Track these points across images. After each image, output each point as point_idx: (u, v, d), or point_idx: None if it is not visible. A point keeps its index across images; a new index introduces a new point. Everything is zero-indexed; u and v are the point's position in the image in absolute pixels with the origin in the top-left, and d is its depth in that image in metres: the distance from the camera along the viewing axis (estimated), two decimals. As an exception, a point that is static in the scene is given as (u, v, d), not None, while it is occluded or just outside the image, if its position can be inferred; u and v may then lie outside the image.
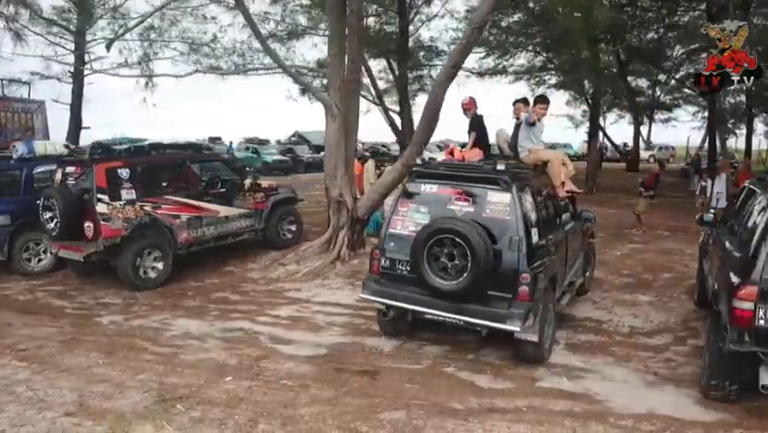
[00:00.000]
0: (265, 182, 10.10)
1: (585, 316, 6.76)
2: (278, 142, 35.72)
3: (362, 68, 16.92)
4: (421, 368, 5.34)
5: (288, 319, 6.73)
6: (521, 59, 21.40)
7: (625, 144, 36.10)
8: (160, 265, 8.11)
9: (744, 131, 27.53)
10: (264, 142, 32.92)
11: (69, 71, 17.03)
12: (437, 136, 19.36)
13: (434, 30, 28.80)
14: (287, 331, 6.34)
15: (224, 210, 9.00)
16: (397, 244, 5.49)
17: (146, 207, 8.01)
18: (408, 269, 5.37)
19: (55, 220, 7.77)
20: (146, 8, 13.70)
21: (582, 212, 6.99)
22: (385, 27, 19.15)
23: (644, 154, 34.61)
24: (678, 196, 18.30)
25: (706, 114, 27.54)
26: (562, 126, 35.93)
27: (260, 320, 6.69)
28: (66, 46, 16.53)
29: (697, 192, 14.96)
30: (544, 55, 20.80)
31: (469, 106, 6.89)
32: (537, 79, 23.55)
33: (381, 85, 20.12)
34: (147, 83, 14.75)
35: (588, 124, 25.19)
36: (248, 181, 9.53)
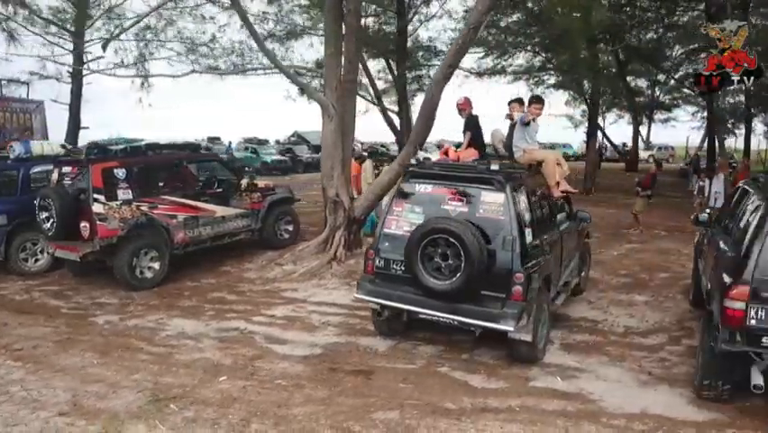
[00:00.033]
0: (262, 182, 10.10)
1: (580, 316, 6.77)
2: (278, 142, 35.74)
3: (361, 68, 17.01)
4: (415, 368, 5.34)
5: (284, 319, 6.73)
6: (520, 59, 21.43)
7: (624, 144, 36.12)
8: (156, 265, 8.11)
9: (743, 131, 27.49)
10: (263, 143, 32.92)
11: (68, 71, 17.00)
12: (434, 136, 19.33)
13: (433, 30, 28.84)
14: (282, 331, 6.35)
15: (220, 210, 9.01)
16: (392, 244, 5.50)
17: (142, 207, 8.01)
18: (403, 269, 5.37)
19: (51, 220, 7.77)
20: (144, 8, 13.72)
21: (578, 212, 7.00)
22: (384, 27, 19.14)
23: (643, 154, 34.61)
24: (677, 196, 18.33)
25: (705, 114, 27.54)
26: (562, 126, 35.92)
27: (255, 320, 6.69)
28: (64, 46, 16.50)
29: (695, 192, 14.98)
30: (543, 55, 20.80)
31: (464, 107, 6.89)
32: (536, 79, 23.55)
33: (380, 85, 20.14)
34: (143, 83, 14.75)
35: (587, 124, 25.16)
36: (244, 181, 9.53)
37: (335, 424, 4.23)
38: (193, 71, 11.23)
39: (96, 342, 5.99)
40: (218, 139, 33.28)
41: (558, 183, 6.22)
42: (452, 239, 4.98)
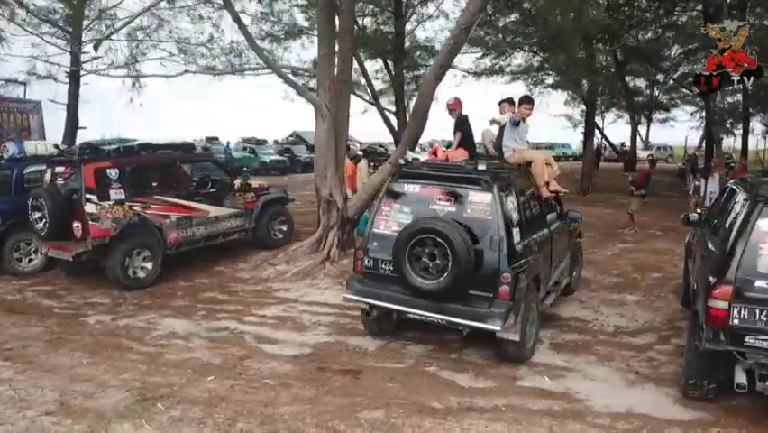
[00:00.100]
0: (256, 182, 10.11)
1: (571, 315, 6.77)
2: (276, 142, 35.75)
3: (358, 68, 17.05)
4: (403, 367, 5.35)
5: (275, 319, 6.74)
6: (518, 59, 21.44)
7: (622, 144, 36.11)
8: (149, 265, 8.12)
9: (741, 131, 27.47)
10: (262, 142, 32.93)
11: (66, 72, 17.03)
12: (426, 137, 19.37)
13: (430, 30, 28.93)
14: (272, 331, 6.36)
15: (214, 210, 9.02)
16: (381, 244, 5.51)
17: (135, 207, 8.03)
18: (391, 268, 5.38)
19: (44, 220, 7.79)
20: (140, 8, 13.69)
21: (569, 212, 7.00)
22: (381, 27, 19.16)
23: (642, 154, 34.60)
24: (674, 196, 18.34)
25: (704, 114, 27.51)
26: (561, 126, 35.95)
27: (246, 320, 6.70)
28: (60, 46, 16.50)
29: (690, 192, 15.02)
30: (541, 55, 20.80)
31: (454, 107, 6.90)
32: (534, 79, 23.54)
33: (379, 85, 20.20)
34: (134, 83, 14.76)
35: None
36: (238, 181, 9.54)
37: (321, 423, 4.24)
38: (186, 71, 11.27)
39: (86, 342, 6.01)
40: (216, 139, 33.32)
41: (548, 183, 6.23)
42: (439, 239, 4.98)
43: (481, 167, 5.25)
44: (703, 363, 4.38)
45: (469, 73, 20.63)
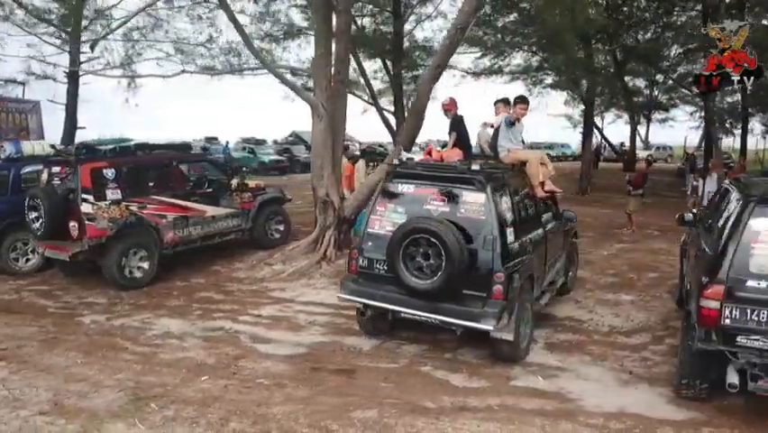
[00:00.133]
0: (252, 182, 10.12)
1: (566, 315, 6.78)
2: (275, 142, 35.74)
3: (358, 68, 17.07)
4: (398, 367, 5.36)
5: (270, 319, 6.75)
6: (517, 59, 21.44)
7: (621, 144, 36.08)
8: (145, 265, 8.13)
9: (741, 131, 27.49)
10: (261, 142, 32.93)
11: (65, 71, 17.04)
12: (424, 137, 19.34)
13: (429, 30, 28.92)
14: (267, 330, 6.37)
15: (210, 210, 9.02)
16: (375, 244, 5.51)
17: (132, 207, 8.04)
18: (386, 268, 5.39)
19: (40, 220, 7.79)
20: (137, 9, 13.71)
21: (564, 212, 7.00)
22: (381, 27, 19.16)
23: (642, 154, 34.57)
24: (673, 196, 18.34)
25: (703, 114, 27.49)
26: (561, 126, 35.92)
27: (242, 320, 6.71)
28: (58, 46, 16.51)
29: (688, 192, 15.02)
30: (540, 55, 20.80)
31: (449, 107, 6.91)
32: (534, 79, 23.54)
33: (378, 85, 20.18)
34: (129, 83, 14.78)
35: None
36: (235, 181, 9.54)
37: (313, 423, 4.24)
38: (183, 71, 11.26)
39: (81, 341, 6.02)
40: (216, 139, 33.32)
41: (543, 183, 6.24)
42: (432, 239, 4.99)
43: (475, 167, 5.25)
44: (696, 362, 4.38)
45: (468, 73, 20.66)
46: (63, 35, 16.14)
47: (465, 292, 5.09)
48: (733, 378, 4.11)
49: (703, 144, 26.71)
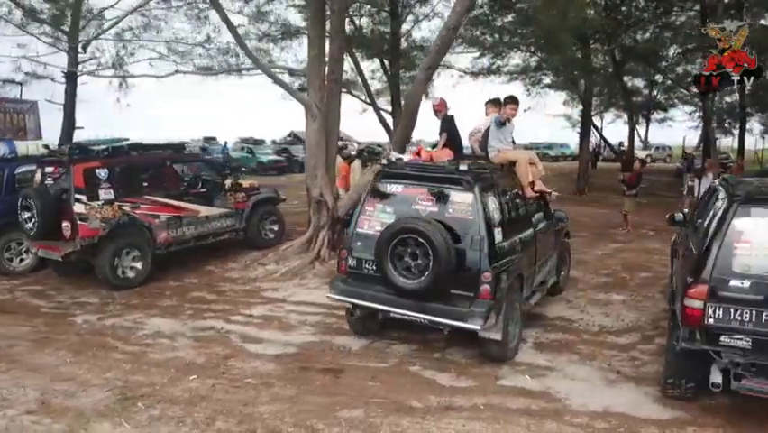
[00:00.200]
0: (246, 182, 10.12)
1: (557, 315, 6.78)
2: (274, 142, 35.78)
3: (355, 68, 17.07)
4: (386, 366, 5.37)
5: (261, 319, 6.76)
6: (515, 59, 21.41)
7: (620, 144, 36.04)
8: (138, 265, 8.14)
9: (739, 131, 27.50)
10: (259, 142, 32.99)
11: (62, 72, 17.05)
12: (416, 137, 19.35)
13: (426, 30, 28.88)
14: (258, 330, 6.38)
15: (204, 210, 9.03)
16: (364, 244, 5.52)
17: (124, 207, 8.05)
18: (374, 268, 5.40)
19: (33, 220, 7.81)
20: (131, 9, 13.73)
21: (555, 211, 7.01)
22: (378, 28, 19.15)
23: (641, 154, 34.53)
24: (671, 196, 18.34)
25: (701, 114, 27.47)
26: (560, 126, 35.92)
27: (233, 319, 6.72)
28: (55, 45, 16.50)
29: (684, 192, 15.01)
30: (539, 55, 20.79)
31: (439, 108, 6.91)
32: (532, 79, 23.52)
33: (376, 85, 20.16)
34: (120, 84, 14.79)
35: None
36: (228, 181, 9.55)
37: (299, 422, 4.25)
38: (177, 71, 11.27)
39: (71, 341, 6.03)
40: (214, 139, 33.38)
41: (533, 183, 6.24)
42: (420, 239, 5.00)
43: (463, 167, 5.26)
44: (681, 362, 4.39)
45: (466, 73, 20.63)
46: (59, 35, 16.13)
47: (453, 292, 5.11)
48: (716, 377, 4.11)
49: (702, 144, 26.69)
